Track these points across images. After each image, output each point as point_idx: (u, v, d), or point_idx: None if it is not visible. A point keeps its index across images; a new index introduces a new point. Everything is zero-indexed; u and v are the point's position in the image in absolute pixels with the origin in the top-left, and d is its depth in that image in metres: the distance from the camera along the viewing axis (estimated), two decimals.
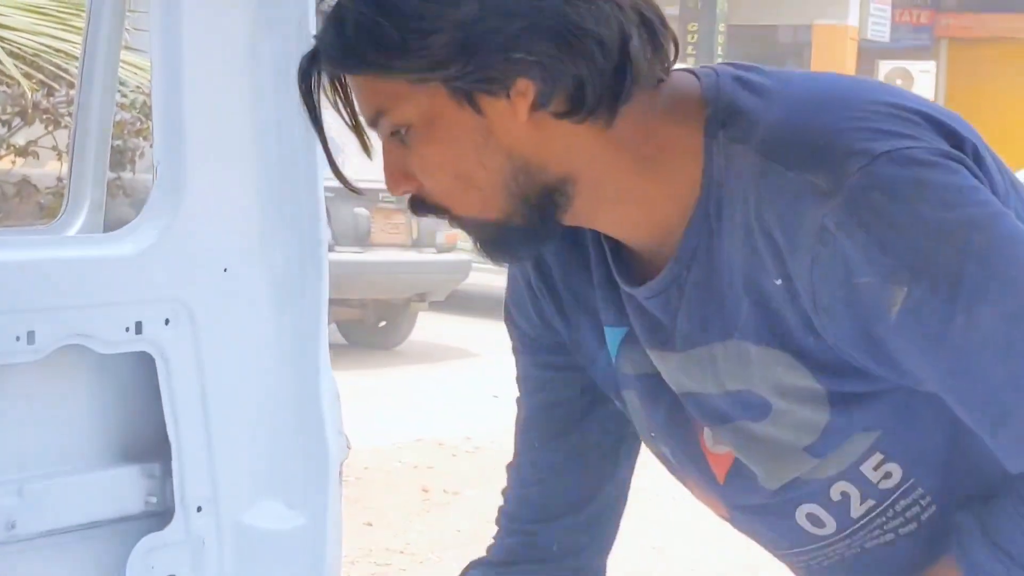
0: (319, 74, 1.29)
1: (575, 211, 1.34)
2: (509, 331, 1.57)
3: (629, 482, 1.65)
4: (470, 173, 1.32)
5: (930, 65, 18.41)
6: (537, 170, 1.32)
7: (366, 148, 1.35)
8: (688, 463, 1.48)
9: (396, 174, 1.33)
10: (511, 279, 1.56)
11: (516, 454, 1.63)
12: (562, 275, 1.50)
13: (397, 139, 1.29)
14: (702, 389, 1.40)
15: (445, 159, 1.32)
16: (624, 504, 1.65)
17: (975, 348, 1.23)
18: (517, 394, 1.62)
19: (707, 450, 1.45)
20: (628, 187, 1.36)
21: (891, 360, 1.28)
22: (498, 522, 1.65)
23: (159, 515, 2.04)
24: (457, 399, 7.99)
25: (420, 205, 1.35)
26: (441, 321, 10.15)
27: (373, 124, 1.32)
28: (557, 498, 1.61)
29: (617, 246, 1.40)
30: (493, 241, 1.35)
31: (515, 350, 1.58)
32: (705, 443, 1.44)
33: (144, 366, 2.02)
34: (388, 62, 1.25)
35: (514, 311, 1.56)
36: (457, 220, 1.35)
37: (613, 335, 1.45)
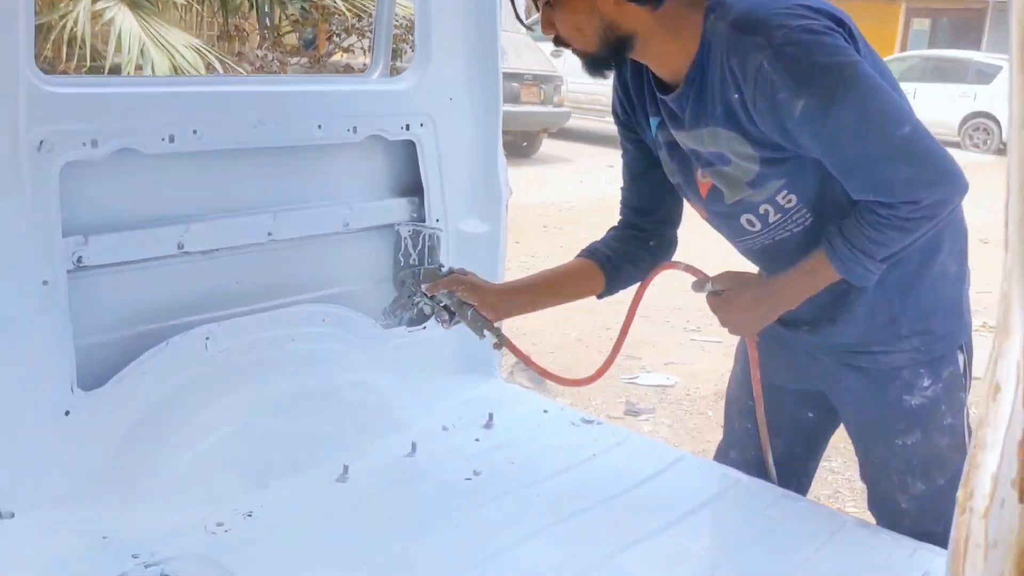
0: None
1: (635, 53, 1.66)
2: (614, 119, 1.91)
3: (682, 200, 1.92)
4: (581, 27, 1.63)
5: None
6: (616, 28, 1.62)
7: (536, 6, 1.67)
8: (688, 187, 1.81)
9: (546, 25, 1.65)
10: (613, 93, 1.89)
11: (622, 182, 1.97)
12: (634, 88, 1.81)
13: (548, 6, 1.64)
14: (698, 148, 1.70)
15: (569, 19, 1.63)
16: (680, 209, 1.94)
17: (840, 133, 1.51)
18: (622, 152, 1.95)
19: (698, 180, 1.76)
20: (662, 43, 1.65)
21: (794, 140, 1.56)
22: (619, 214, 1.98)
23: (417, 222, 2.40)
24: (561, 181, 10.67)
25: (557, 41, 1.68)
26: (553, 143, 13.36)
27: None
28: (644, 203, 1.95)
29: (655, 75, 1.72)
30: (591, 64, 1.69)
31: (618, 130, 1.91)
32: (697, 176, 1.76)
33: (410, 147, 2.42)
34: None
35: (615, 108, 1.90)
36: (574, 51, 1.67)
37: (653, 121, 1.78)
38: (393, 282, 1.99)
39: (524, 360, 1.96)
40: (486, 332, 1.92)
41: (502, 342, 1.93)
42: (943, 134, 14.10)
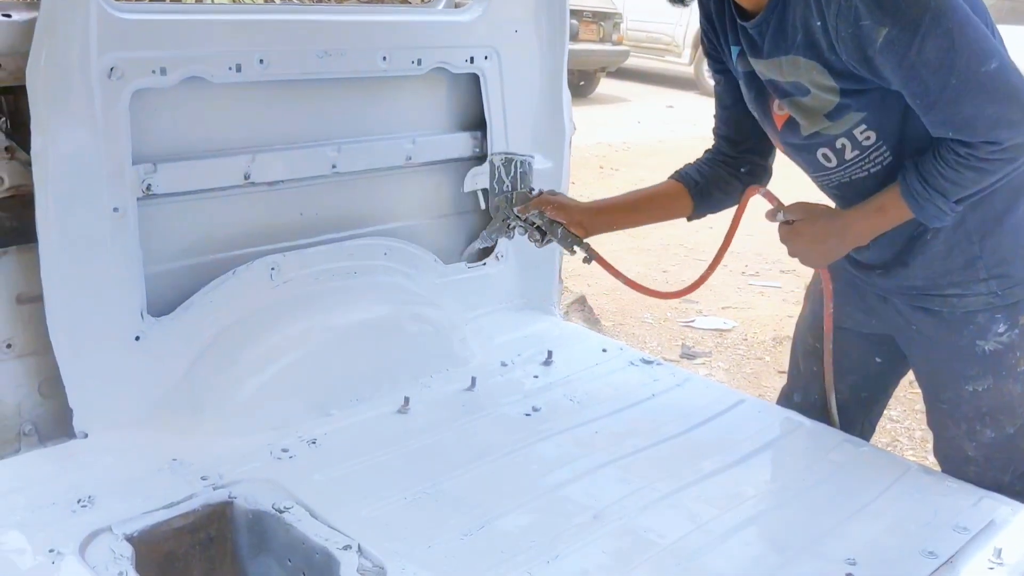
0: None
1: None
2: (703, 50, 1.93)
3: None
4: None
5: None
6: None
7: None
8: (764, 119, 1.82)
9: None
10: (699, 23, 1.90)
11: (714, 109, 2.00)
12: (716, 17, 1.83)
13: None
14: (776, 78, 1.71)
15: None
16: (770, 141, 1.90)
17: (921, 65, 1.48)
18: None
19: (774, 111, 1.78)
20: None
21: (875, 71, 1.54)
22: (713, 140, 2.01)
23: (479, 158, 2.47)
24: (619, 121, 10.52)
25: None
26: (611, 82, 13.14)
27: None
28: (733, 133, 1.97)
29: (737, 2, 1.73)
30: None
31: (707, 61, 1.94)
32: (773, 107, 1.77)
33: (474, 81, 2.42)
34: None
35: (702, 37, 1.91)
36: None
37: (734, 50, 1.79)
38: (489, 209, 2.14)
39: (614, 274, 2.07)
40: (576, 248, 2.04)
41: (592, 256, 2.04)
42: None
